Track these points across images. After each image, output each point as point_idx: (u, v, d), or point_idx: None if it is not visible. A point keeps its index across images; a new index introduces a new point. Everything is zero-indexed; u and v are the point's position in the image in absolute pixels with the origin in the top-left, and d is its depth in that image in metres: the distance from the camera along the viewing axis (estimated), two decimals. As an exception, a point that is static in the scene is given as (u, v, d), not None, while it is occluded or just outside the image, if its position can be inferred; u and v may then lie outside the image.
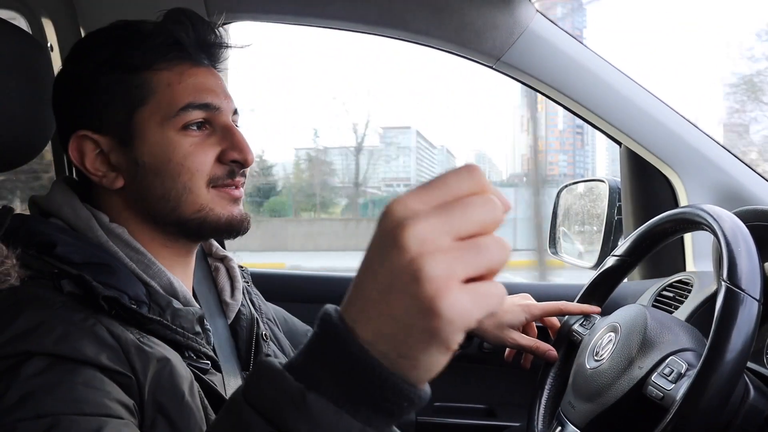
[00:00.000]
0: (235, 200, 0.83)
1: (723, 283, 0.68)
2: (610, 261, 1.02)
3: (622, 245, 1.00)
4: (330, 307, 0.42)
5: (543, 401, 1.01)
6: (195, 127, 0.80)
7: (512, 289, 1.19)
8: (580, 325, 1.02)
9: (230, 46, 0.87)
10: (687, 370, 0.71)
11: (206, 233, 0.83)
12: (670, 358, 0.75)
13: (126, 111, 0.79)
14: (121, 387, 0.64)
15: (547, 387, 1.02)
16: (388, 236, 0.37)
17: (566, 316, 1.08)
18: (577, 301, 1.07)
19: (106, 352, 0.64)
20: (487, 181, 0.39)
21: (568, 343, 1.03)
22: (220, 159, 0.81)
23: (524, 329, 1.12)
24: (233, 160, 0.82)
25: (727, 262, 0.70)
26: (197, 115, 0.80)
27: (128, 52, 0.80)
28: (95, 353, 0.63)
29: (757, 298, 0.66)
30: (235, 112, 0.86)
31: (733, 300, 0.66)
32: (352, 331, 0.40)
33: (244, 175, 0.84)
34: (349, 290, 0.41)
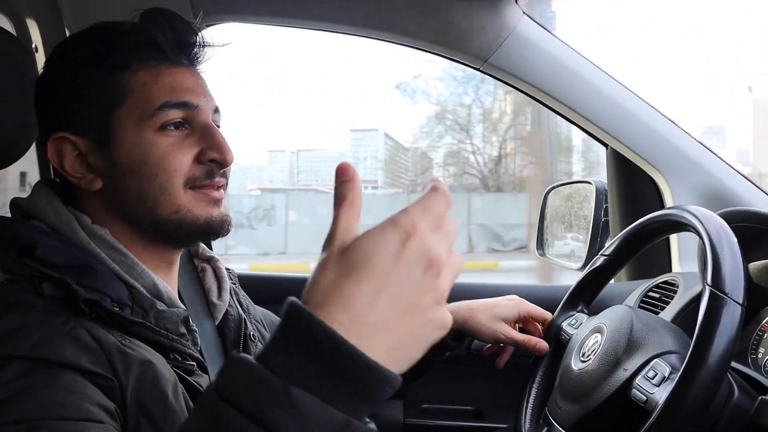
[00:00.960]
0: (215, 201, 0.82)
1: (707, 286, 0.69)
2: (598, 260, 1.03)
3: (610, 245, 1.00)
4: (294, 299, 0.45)
5: (531, 401, 1.01)
6: (173, 127, 0.79)
7: (500, 291, 1.20)
8: (569, 324, 1.03)
9: (209, 46, 0.86)
10: (671, 373, 0.71)
11: (185, 236, 0.82)
12: (655, 360, 0.75)
13: (103, 112, 0.78)
14: (102, 390, 0.63)
15: (535, 386, 1.02)
16: (421, 245, 0.46)
17: (555, 315, 1.08)
18: (566, 300, 1.08)
19: (86, 356, 0.64)
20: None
21: (557, 342, 1.04)
22: (198, 159, 0.80)
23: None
24: (212, 159, 0.80)
25: (711, 265, 0.70)
26: (174, 114, 0.79)
27: (104, 53, 0.79)
28: (75, 356, 0.63)
29: (740, 302, 0.67)
30: (216, 110, 0.85)
31: (716, 304, 0.67)
32: (325, 318, 0.42)
33: (224, 176, 0.83)
34: (323, 286, 0.45)
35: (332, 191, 0.50)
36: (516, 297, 1.15)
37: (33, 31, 1.28)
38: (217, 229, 0.82)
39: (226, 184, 0.85)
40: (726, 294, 0.67)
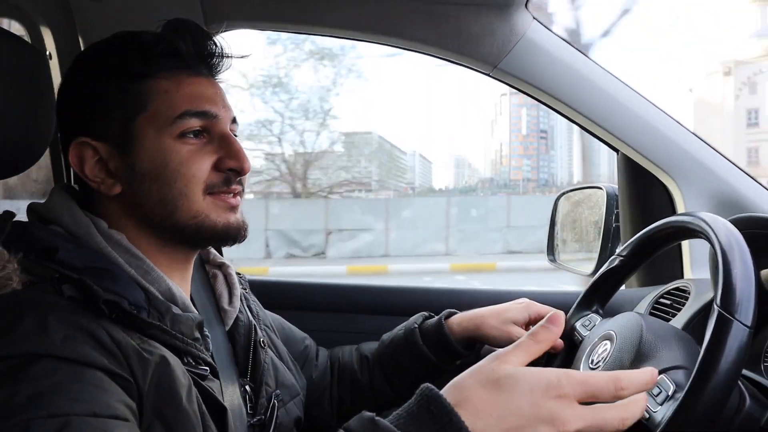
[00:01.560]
0: (232, 208, 0.84)
1: (716, 306, 0.68)
2: (614, 261, 1.02)
3: (626, 246, 0.99)
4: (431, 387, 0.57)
5: None
6: (192, 135, 0.81)
7: (509, 297, 1.19)
8: (582, 324, 1.02)
9: (229, 56, 0.88)
10: (675, 392, 0.70)
11: (203, 240, 0.84)
12: (660, 376, 0.74)
13: (125, 118, 0.80)
14: (123, 390, 0.65)
15: None
16: (558, 405, 0.58)
17: (569, 315, 1.08)
18: (580, 300, 1.07)
19: (107, 356, 0.65)
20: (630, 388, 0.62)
21: (570, 343, 1.03)
22: (216, 167, 0.82)
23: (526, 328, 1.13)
24: (230, 168, 0.83)
25: (721, 284, 0.69)
26: (194, 122, 0.81)
27: (128, 61, 0.81)
28: (98, 356, 0.64)
29: (749, 324, 0.66)
30: (234, 120, 0.87)
31: (724, 326, 0.66)
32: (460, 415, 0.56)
33: (241, 183, 0.85)
34: (472, 395, 0.59)
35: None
36: (525, 299, 1.16)
37: (47, 39, 1.30)
38: (234, 234, 0.84)
39: (243, 191, 0.86)
40: (734, 317, 0.66)
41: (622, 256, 1.00)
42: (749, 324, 0.66)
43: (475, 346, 1.15)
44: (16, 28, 1.33)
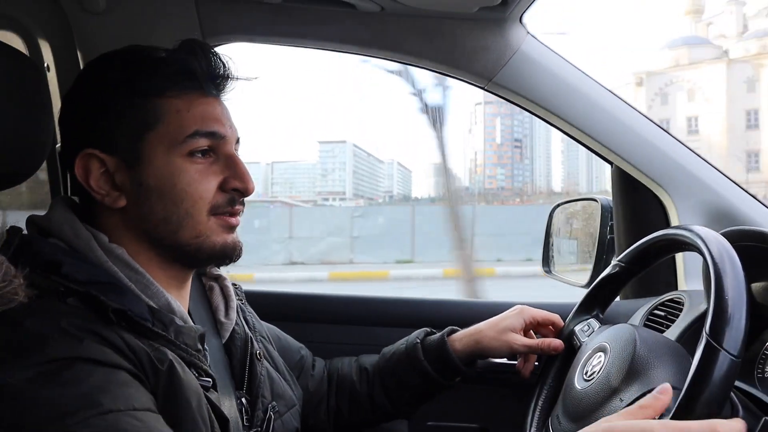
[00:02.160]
0: (231, 228, 0.85)
1: (704, 334, 0.69)
2: (612, 267, 1.03)
3: (625, 254, 1.00)
4: None
5: (537, 411, 1.01)
6: (200, 155, 0.83)
7: (506, 307, 1.20)
8: (581, 330, 1.03)
9: (238, 78, 0.90)
10: (662, 415, 0.71)
11: (201, 259, 0.85)
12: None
13: (135, 134, 0.81)
14: (144, 387, 0.68)
15: (542, 397, 1.02)
16: None
17: (569, 319, 1.09)
18: (580, 304, 1.08)
19: (125, 359, 0.68)
20: None
21: (569, 347, 1.04)
22: (222, 187, 0.84)
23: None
24: (234, 188, 0.84)
25: (712, 310, 0.70)
26: (203, 142, 0.82)
27: (139, 77, 0.82)
28: (118, 359, 0.67)
29: (736, 354, 0.67)
30: (238, 141, 0.88)
31: (711, 356, 0.67)
32: None
33: (243, 203, 0.87)
34: None
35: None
36: (519, 306, 1.17)
37: (45, 52, 1.30)
38: (230, 253, 0.86)
39: (242, 210, 0.88)
40: (722, 346, 0.66)
41: (622, 263, 1.01)
42: (736, 354, 0.67)
43: (475, 362, 1.16)
44: (13, 40, 1.34)
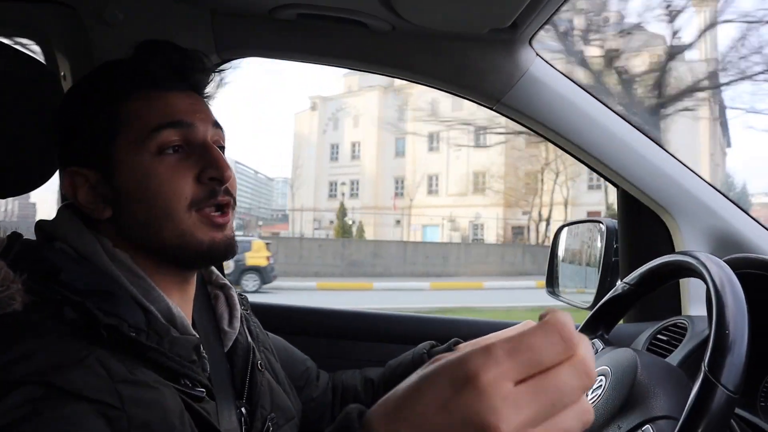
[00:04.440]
0: (218, 226, 0.83)
1: (703, 368, 0.69)
2: (619, 288, 1.02)
3: (632, 275, 1.00)
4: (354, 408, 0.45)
5: None
6: (171, 151, 0.81)
7: (510, 325, 1.19)
8: None
9: (206, 71, 0.88)
10: None
11: (189, 260, 0.83)
12: (646, 426, 0.75)
13: (105, 142, 0.81)
14: (108, 420, 0.64)
15: None
16: (467, 379, 0.38)
17: None
18: (585, 323, 1.07)
19: (94, 384, 0.64)
20: (575, 338, 0.39)
21: None
22: (199, 179, 0.81)
23: None
24: (211, 177, 0.81)
25: (712, 343, 0.70)
26: (169, 135, 0.81)
27: (106, 87, 0.83)
28: (84, 385, 0.63)
29: (733, 391, 0.67)
30: (217, 125, 0.86)
31: (708, 392, 0.67)
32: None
33: (228, 193, 0.83)
34: (388, 404, 0.43)
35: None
36: (531, 321, 1.15)
37: (62, 61, 1.32)
38: (221, 252, 0.83)
39: (233, 202, 0.85)
40: (720, 382, 0.67)
41: (628, 284, 1.01)
42: (734, 390, 0.67)
43: None
44: (31, 48, 1.36)
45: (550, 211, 28.84)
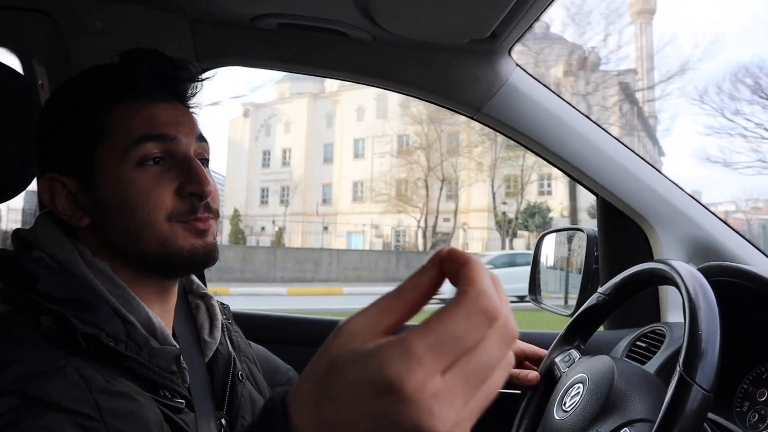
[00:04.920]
0: (199, 232, 0.82)
1: (678, 368, 0.70)
2: (594, 299, 1.03)
3: (607, 285, 1.01)
4: (280, 391, 0.43)
5: None
6: (152, 162, 0.80)
7: None
8: (563, 360, 1.03)
9: (191, 80, 0.88)
10: None
11: (171, 267, 0.83)
12: (624, 429, 0.76)
13: (86, 150, 0.80)
14: (86, 431, 0.63)
15: (525, 421, 1.02)
16: (390, 387, 0.35)
17: (551, 349, 1.09)
18: (562, 335, 1.08)
19: (72, 394, 0.64)
20: (496, 304, 0.36)
21: (549, 377, 1.04)
22: (179, 193, 0.81)
23: None
24: (191, 192, 0.81)
25: (686, 345, 0.71)
26: (152, 147, 0.80)
27: (87, 94, 0.82)
28: (61, 395, 0.63)
29: (708, 389, 0.68)
30: (201, 139, 0.86)
31: (684, 391, 0.68)
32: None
33: (209, 209, 0.83)
34: (305, 383, 0.41)
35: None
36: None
37: (40, 69, 1.31)
38: (201, 259, 0.82)
39: (215, 216, 0.84)
40: (695, 380, 0.68)
41: (603, 294, 1.02)
42: (709, 388, 0.68)
43: None
44: (7, 57, 1.34)
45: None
